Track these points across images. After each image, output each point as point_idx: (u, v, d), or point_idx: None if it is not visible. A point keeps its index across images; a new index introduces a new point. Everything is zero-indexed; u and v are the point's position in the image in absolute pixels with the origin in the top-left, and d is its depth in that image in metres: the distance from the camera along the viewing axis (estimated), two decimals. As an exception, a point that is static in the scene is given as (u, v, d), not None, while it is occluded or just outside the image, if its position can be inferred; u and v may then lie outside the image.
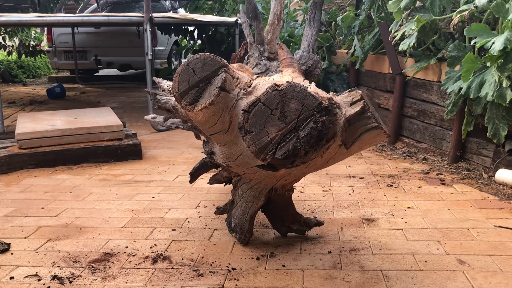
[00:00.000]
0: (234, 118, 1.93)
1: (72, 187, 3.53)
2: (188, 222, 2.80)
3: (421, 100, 4.30)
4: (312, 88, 2.02)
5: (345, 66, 5.55)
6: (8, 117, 6.31)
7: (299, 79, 2.26)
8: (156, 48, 9.63)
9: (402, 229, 2.62)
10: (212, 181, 2.67)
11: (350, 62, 5.35)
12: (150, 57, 5.23)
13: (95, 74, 11.45)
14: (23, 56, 9.84)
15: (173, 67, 10.05)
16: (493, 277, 2.09)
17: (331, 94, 2.04)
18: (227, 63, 1.99)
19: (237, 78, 1.99)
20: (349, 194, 3.24)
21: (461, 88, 3.37)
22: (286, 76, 2.28)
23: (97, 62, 9.90)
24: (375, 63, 5.00)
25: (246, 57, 5.23)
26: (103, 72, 11.61)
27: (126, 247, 2.47)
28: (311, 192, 3.30)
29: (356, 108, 1.85)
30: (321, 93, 1.94)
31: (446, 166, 3.82)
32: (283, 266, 2.23)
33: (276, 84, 1.85)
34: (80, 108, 6.62)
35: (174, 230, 2.69)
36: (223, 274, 2.17)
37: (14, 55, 10.72)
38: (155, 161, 4.24)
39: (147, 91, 2.52)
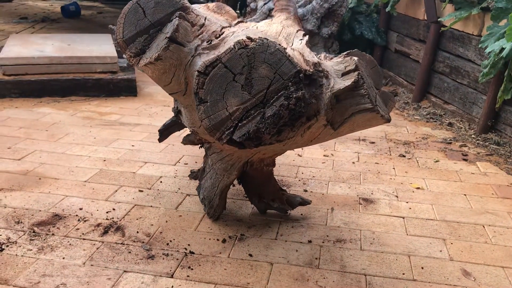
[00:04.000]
0: (191, 79, 1.50)
1: (50, 123, 3.21)
2: (161, 182, 2.46)
3: (456, 55, 3.71)
4: (300, 46, 1.55)
5: (376, 6, 4.89)
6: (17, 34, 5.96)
7: (292, 29, 1.78)
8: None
9: (403, 218, 2.21)
10: (185, 141, 2.29)
11: (382, 3, 4.69)
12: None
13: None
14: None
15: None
16: (502, 300, 1.69)
17: (322, 56, 1.57)
18: (188, 4, 1.53)
19: (201, 26, 1.54)
20: (353, 163, 2.82)
21: (503, 49, 2.79)
22: (276, 24, 1.80)
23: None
24: (409, 7, 4.35)
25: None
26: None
27: (80, 209, 2.15)
28: (309, 156, 2.88)
29: (348, 81, 1.39)
30: (308, 55, 1.48)
31: (473, 136, 3.31)
32: (250, 255, 1.87)
33: (246, 40, 1.39)
34: (92, 30, 6.24)
35: (142, 191, 2.36)
36: (177, 259, 1.83)
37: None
38: (149, 100, 3.86)
39: (110, 27, 2.08)
